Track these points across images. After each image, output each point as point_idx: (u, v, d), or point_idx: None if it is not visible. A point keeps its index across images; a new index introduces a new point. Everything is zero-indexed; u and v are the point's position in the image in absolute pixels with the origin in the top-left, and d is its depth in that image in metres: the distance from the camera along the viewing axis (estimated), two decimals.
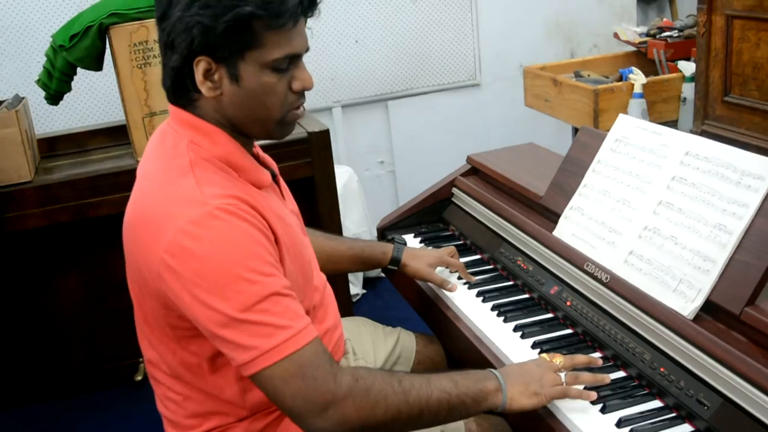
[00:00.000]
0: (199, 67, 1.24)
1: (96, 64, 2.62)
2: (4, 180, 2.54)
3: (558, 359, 1.40)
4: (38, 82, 2.65)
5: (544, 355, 1.44)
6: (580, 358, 1.42)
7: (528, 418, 1.39)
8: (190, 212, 1.20)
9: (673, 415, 1.29)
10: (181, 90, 1.30)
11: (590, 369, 1.42)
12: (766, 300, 1.25)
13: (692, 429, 1.25)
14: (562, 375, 1.37)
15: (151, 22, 2.52)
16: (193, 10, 1.20)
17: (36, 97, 2.98)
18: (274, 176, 1.45)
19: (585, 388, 1.37)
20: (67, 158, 2.88)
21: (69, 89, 2.66)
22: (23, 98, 2.75)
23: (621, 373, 1.41)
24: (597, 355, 1.48)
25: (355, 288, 3.44)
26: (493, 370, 1.39)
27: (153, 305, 1.31)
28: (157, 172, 1.29)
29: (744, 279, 1.27)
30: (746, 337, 1.25)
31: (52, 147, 2.94)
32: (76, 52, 2.52)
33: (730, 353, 1.22)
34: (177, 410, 1.42)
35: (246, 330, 1.18)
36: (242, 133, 1.33)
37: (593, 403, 1.34)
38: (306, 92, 1.33)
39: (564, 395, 1.35)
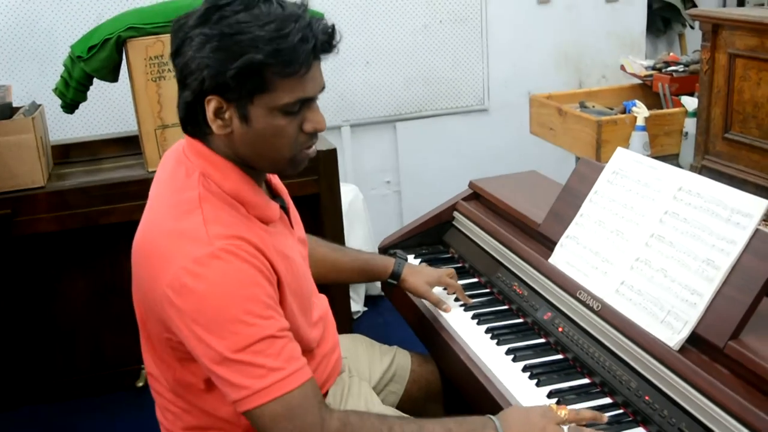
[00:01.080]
0: (210, 106, 1.26)
1: (112, 76, 2.68)
2: (18, 184, 2.60)
3: (564, 412, 1.36)
4: (55, 90, 2.72)
5: (552, 405, 1.39)
6: (586, 414, 1.36)
7: None
8: (194, 250, 1.23)
9: None
10: (193, 123, 1.32)
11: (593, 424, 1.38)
12: (749, 334, 1.29)
13: None
14: (565, 429, 1.34)
15: (167, 37, 2.56)
16: (205, 52, 1.22)
17: (51, 104, 3.05)
18: (283, 206, 1.48)
19: None
20: (79, 165, 2.94)
21: (85, 99, 2.73)
22: (40, 105, 2.82)
23: (608, 400, 1.45)
24: (585, 381, 1.52)
25: (357, 305, 3.48)
26: (492, 417, 1.36)
27: (156, 328, 1.35)
28: (168, 202, 1.32)
29: (729, 313, 1.31)
30: (729, 370, 1.29)
31: (65, 154, 3.00)
32: (93, 63, 2.59)
33: (713, 385, 1.26)
34: (175, 421, 1.46)
35: (238, 370, 1.21)
36: (253, 168, 1.35)
37: None
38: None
39: None
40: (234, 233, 1.26)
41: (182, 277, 1.22)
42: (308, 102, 1.30)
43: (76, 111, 2.81)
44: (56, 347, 2.96)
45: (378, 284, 3.61)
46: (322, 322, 1.55)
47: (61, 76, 2.69)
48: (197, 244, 1.23)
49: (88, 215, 2.67)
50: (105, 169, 2.88)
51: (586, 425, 1.34)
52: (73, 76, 2.63)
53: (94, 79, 2.69)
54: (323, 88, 1.32)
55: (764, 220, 1.75)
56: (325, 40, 1.27)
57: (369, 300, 3.66)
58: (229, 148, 1.32)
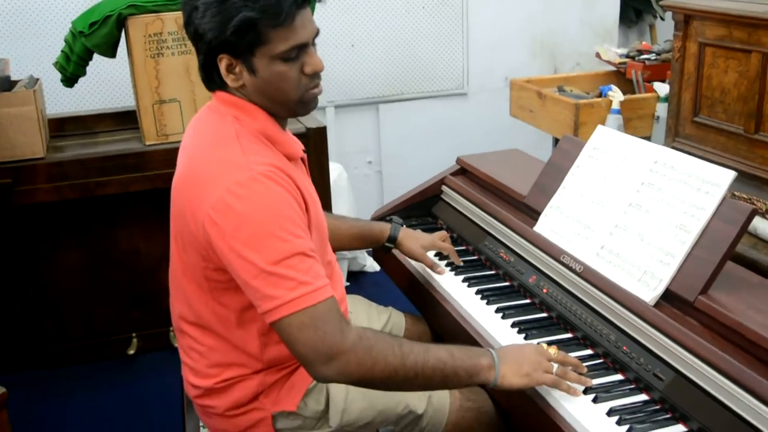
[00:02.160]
0: (222, 64, 1.44)
1: (111, 52, 2.77)
2: (18, 155, 2.68)
3: (554, 350, 1.51)
4: (56, 64, 2.80)
5: (543, 345, 1.54)
6: (572, 359, 1.52)
7: (518, 400, 1.54)
8: (236, 175, 1.38)
9: (632, 386, 1.48)
10: (212, 82, 1.50)
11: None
12: (716, 290, 1.45)
13: (647, 398, 1.45)
14: (555, 366, 1.48)
15: (167, 15, 2.68)
16: (207, 18, 1.40)
17: (47, 78, 3.12)
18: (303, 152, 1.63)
19: None
20: (75, 139, 3.02)
21: (84, 73, 2.81)
22: (38, 79, 2.89)
23: (589, 351, 1.61)
24: (569, 335, 1.67)
25: None
26: (490, 349, 1.52)
27: (194, 257, 1.48)
28: (206, 140, 1.49)
29: (699, 272, 1.46)
30: (698, 322, 1.44)
31: (60, 127, 3.07)
32: (94, 38, 2.68)
33: (684, 334, 1.41)
34: (199, 359, 1.58)
35: (272, 282, 1.35)
36: (271, 113, 1.51)
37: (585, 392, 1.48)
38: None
39: (554, 384, 1.47)
40: (270, 161, 1.43)
41: (225, 198, 1.37)
42: (303, 47, 1.46)
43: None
44: (49, 315, 3.04)
45: (359, 260, 3.75)
46: (331, 267, 1.68)
47: (62, 51, 2.77)
48: (238, 169, 1.39)
49: (85, 186, 2.76)
50: (101, 142, 2.96)
51: (576, 389, 1.48)
52: (74, 50, 2.71)
53: (94, 54, 2.77)
54: (317, 33, 1.49)
55: (731, 197, 1.92)
56: None
57: (351, 276, 3.79)
58: (246, 97, 1.49)
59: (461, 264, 2.01)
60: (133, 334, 3.10)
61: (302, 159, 1.63)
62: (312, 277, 1.37)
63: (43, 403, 2.89)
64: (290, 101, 1.49)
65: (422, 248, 2.00)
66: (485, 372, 1.47)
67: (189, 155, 1.52)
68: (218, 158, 1.43)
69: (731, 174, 1.50)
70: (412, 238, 2.01)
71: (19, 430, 2.70)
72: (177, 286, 1.60)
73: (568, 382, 1.47)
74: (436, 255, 2.07)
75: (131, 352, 3.08)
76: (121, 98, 3.50)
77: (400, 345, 1.43)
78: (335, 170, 3.57)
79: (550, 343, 1.62)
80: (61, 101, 3.49)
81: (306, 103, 1.52)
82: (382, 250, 2.07)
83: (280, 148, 1.51)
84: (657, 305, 1.51)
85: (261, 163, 1.41)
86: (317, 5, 3.52)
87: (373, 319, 1.97)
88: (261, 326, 1.51)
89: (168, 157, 2.73)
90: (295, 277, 1.36)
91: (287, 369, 1.59)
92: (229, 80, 1.46)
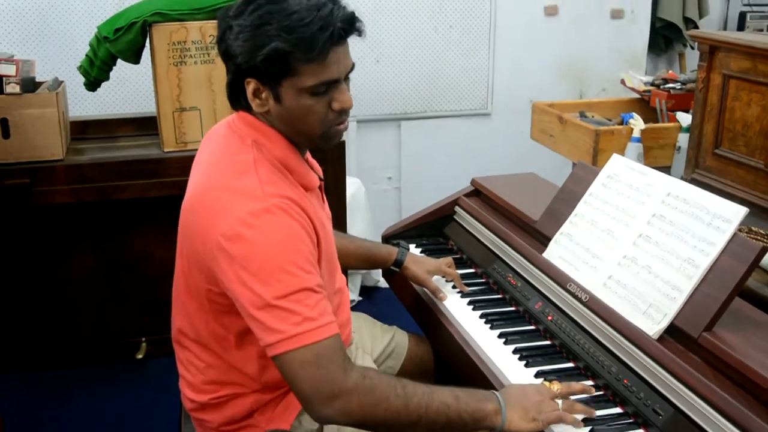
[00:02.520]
0: (249, 87, 1.42)
1: (135, 58, 2.80)
2: (38, 156, 2.72)
3: (556, 386, 1.49)
4: (80, 68, 2.83)
5: (545, 382, 1.52)
6: (576, 386, 1.50)
7: None
8: (251, 205, 1.36)
9: (631, 421, 1.45)
10: (237, 102, 1.48)
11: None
12: (722, 328, 1.42)
13: None
14: (560, 402, 1.46)
15: (191, 24, 2.71)
16: (240, 41, 1.38)
17: (70, 81, 3.15)
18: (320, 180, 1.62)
19: None
20: (96, 142, 3.05)
21: (107, 78, 2.85)
22: (62, 81, 2.93)
23: (590, 382, 1.58)
24: (570, 365, 1.65)
25: (353, 294, 3.61)
26: (495, 391, 1.49)
27: (199, 279, 1.47)
28: (223, 163, 1.46)
29: (705, 308, 1.43)
30: (701, 359, 1.41)
31: (82, 130, 3.11)
32: (118, 44, 2.71)
33: (686, 371, 1.38)
34: (197, 374, 1.58)
35: (277, 315, 1.33)
36: (292, 141, 1.49)
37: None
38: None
39: (560, 421, 1.44)
40: (285, 194, 1.40)
41: (237, 227, 1.34)
42: (334, 83, 1.43)
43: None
44: (61, 316, 3.06)
45: (373, 275, 3.74)
46: (340, 294, 1.67)
47: (87, 55, 2.80)
48: (253, 200, 1.37)
49: (103, 190, 2.79)
50: (121, 147, 2.99)
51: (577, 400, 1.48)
52: (98, 55, 2.74)
53: (117, 60, 2.80)
54: (352, 68, 1.46)
55: (747, 233, 1.89)
56: (342, 27, 1.40)
57: (363, 290, 3.79)
58: (270, 123, 1.46)
59: (466, 290, 1.99)
60: (143, 339, 3.11)
61: (320, 187, 1.62)
62: (318, 314, 1.35)
63: (51, 403, 2.90)
64: (313, 134, 1.47)
65: (427, 273, 1.99)
66: (491, 417, 1.44)
67: (204, 175, 1.49)
68: (233, 186, 1.40)
69: (743, 210, 1.47)
70: (417, 263, 2.00)
71: (25, 429, 2.72)
72: (179, 301, 1.59)
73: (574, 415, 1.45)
74: (443, 277, 2.05)
75: (140, 356, 3.09)
76: (144, 104, 3.54)
77: (403, 386, 1.40)
78: (353, 185, 3.57)
79: (550, 373, 1.60)
80: (86, 104, 3.53)
81: (329, 138, 1.49)
82: (388, 272, 2.07)
83: (298, 178, 1.49)
84: (660, 339, 1.48)
85: (276, 195, 1.39)
86: None
87: (376, 337, 1.96)
88: (260, 349, 1.48)
89: (186, 164, 2.69)
90: (301, 312, 1.33)
91: (283, 389, 1.58)
92: (254, 104, 1.44)
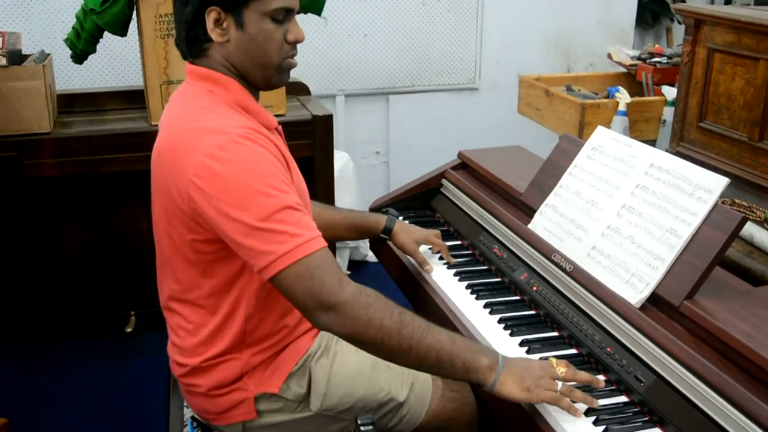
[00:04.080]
0: (210, 16, 1.46)
1: (122, 30, 2.78)
2: (25, 129, 2.71)
3: (562, 369, 1.44)
4: (66, 41, 2.81)
5: (552, 359, 1.47)
6: (584, 376, 1.45)
7: (514, 411, 1.48)
8: (215, 139, 1.39)
9: (613, 388, 1.48)
10: (193, 41, 1.51)
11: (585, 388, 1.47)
12: (702, 296, 1.45)
13: (627, 400, 1.45)
14: (559, 384, 1.42)
15: None
16: None
17: (57, 54, 3.14)
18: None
19: None
20: (83, 115, 3.04)
21: (94, 50, 2.83)
22: (49, 54, 2.91)
23: (573, 350, 1.61)
24: (555, 334, 1.67)
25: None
26: (498, 352, 1.47)
27: (181, 231, 1.48)
28: (181, 113, 1.50)
29: (686, 277, 1.46)
30: (682, 327, 1.44)
31: (69, 103, 3.09)
32: (105, 16, 2.69)
33: (667, 338, 1.41)
34: (186, 337, 1.59)
35: (264, 237, 1.36)
36: (247, 80, 1.53)
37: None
38: (309, 73, 1.55)
39: (554, 402, 1.41)
40: (248, 125, 1.44)
41: (207, 162, 1.38)
42: (290, 14, 1.51)
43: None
44: (50, 290, 3.08)
45: (361, 249, 3.76)
46: None
47: (73, 27, 2.78)
48: (216, 134, 1.40)
49: (90, 163, 2.79)
50: (108, 120, 2.98)
51: (578, 408, 1.42)
52: (85, 27, 2.73)
53: (104, 33, 2.79)
54: (299, 10, 1.54)
55: (730, 205, 1.91)
56: None
57: (352, 264, 3.81)
58: (227, 59, 1.50)
59: (453, 261, 2.01)
60: (132, 312, 3.12)
61: (278, 130, 1.64)
62: (303, 229, 1.38)
63: (39, 376, 2.92)
64: (270, 64, 1.51)
65: (415, 243, 2.01)
66: (484, 372, 1.42)
67: (164, 129, 1.53)
68: (194, 127, 1.44)
69: (724, 181, 1.49)
70: (406, 231, 2.02)
71: (14, 401, 2.74)
72: (165, 265, 1.61)
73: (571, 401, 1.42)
74: (430, 248, 2.07)
75: (129, 329, 3.10)
76: (131, 77, 3.52)
77: (399, 313, 1.42)
78: (342, 159, 3.58)
79: (535, 342, 1.63)
80: (73, 77, 3.52)
81: (282, 71, 1.54)
82: (377, 241, 2.08)
83: (256, 116, 1.53)
84: (642, 308, 1.50)
85: (238, 126, 1.42)
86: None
87: None
88: (247, 298, 1.53)
89: None
90: (286, 230, 1.36)
91: (272, 350, 1.60)
92: (214, 35, 1.47)
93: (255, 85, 1.56)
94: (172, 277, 1.58)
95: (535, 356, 1.58)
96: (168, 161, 1.46)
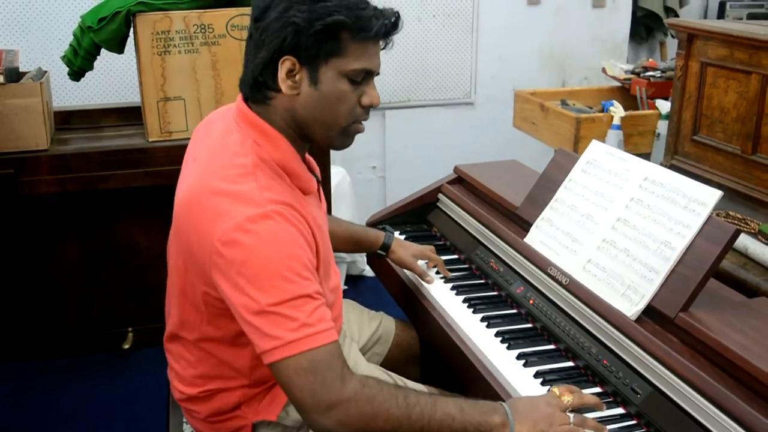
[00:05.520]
0: (284, 66, 1.38)
1: (119, 48, 2.80)
2: (22, 146, 2.71)
3: (567, 398, 1.43)
4: (63, 58, 2.83)
5: (554, 389, 1.45)
6: (590, 399, 1.44)
7: None
8: (248, 210, 1.33)
9: (610, 399, 1.49)
10: (260, 86, 1.43)
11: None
12: (697, 308, 1.46)
13: (624, 412, 1.45)
14: (571, 416, 1.40)
15: (175, 14, 2.71)
16: (291, 12, 1.35)
17: (54, 71, 3.15)
18: (318, 181, 1.61)
19: None
20: (80, 132, 3.05)
21: (91, 68, 2.85)
22: (46, 72, 2.92)
23: (570, 363, 1.61)
24: (551, 347, 1.68)
25: None
26: (502, 403, 1.42)
27: (195, 281, 1.45)
28: (221, 164, 1.42)
29: (681, 289, 1.47)
30: (678, 338, 1.45)
31: (66, 120, 3.10)
32: (102, 34, 2.71)
33: (663, 350, 1.42)
34: (187, 368, 1.59)
35: (273, 321, 1.29)
36: (304, 137, 1.46)
37: None
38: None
39: None
40: (284, 200, 1.38)
41: (234, 232, 1.32)
42: (369, 76, 1.44)
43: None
44: (47, 306, 3.06)
45: (359, 264, 3.76)
46: (336, 292, 1.66)
47: (70, 45, 2.80)
48: (251, 205, 1.33)
49: (87, 179, 2.78)
50: (105, 136, 2.99)
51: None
52: (82, 45, 2.74)
53: (101, 50, 2.80)
54: (378, 73, 1.46)
55: (724, 217, 1.92)
56: (392, 23, 1.42)
57: (349, 279, 3.81)
58: (289, 112, 1.43)
59: (449, 276, 2.02)
60: (129, 329, 3.12)
61: (318, 191, 1.60)
62: (316, 320, 1.32)
63: (37, 393, 2.90)
64: (337, 126, 1.43)
65: (413, 257, 2.02)
66: (498, 430, 1.37)
67: (201, 175, 1.43)
68: (232, 191, 1.36)
69: (717, 193, 1.51)
70: (403, 247, 2.04)
71: (11, 420, 2.73)
72: (173, 297, 1.57)
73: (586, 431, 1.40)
74: (427, 262, 2.08)
75: (126, 346, 3.10)
76: (128, 94, 3.54)
77: (405, 396, 1.35)
78: (338, 174, 3.59)
79: (532, 355, 1.64)
80: (70, 94, 3.53)
81: (348, 135, 1.47)
82: (375, 256, 2.09)
83: (296, 182, 1.46)
84: (638, 320, 1.51)
85: (275, 201, 1.36)
86: None
87: (363, 324, 1.98)
88: (253, 351, 1.47)
89: (171, 154, 2.75)
90: (297, 318, 1.30)
91: (270, 382, 1.58)
92: (284, 86, 1.40)
93: (314, 142, 1.49)
94: (179, 313, 1.56)
95: (533, 369, 1.59)
96: (197, 214, 1.39)
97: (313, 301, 1.33)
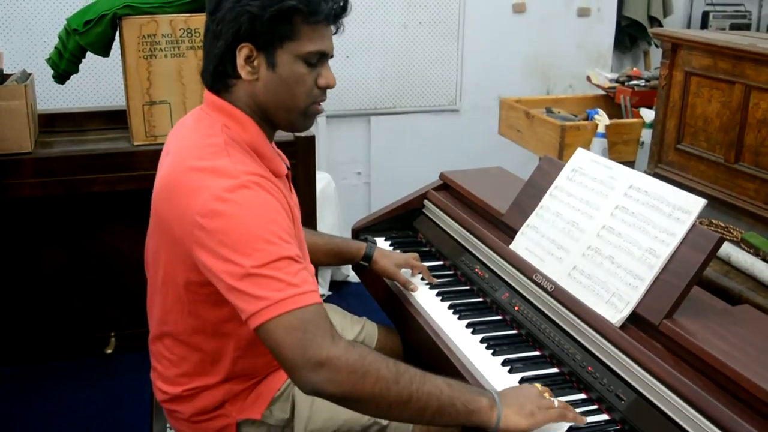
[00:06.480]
0: (242, 53, 1.43)
1: (104, 51, 2.79)
2: (6, 149, 2.69)
3: (547, 395, 1.44)
4: (48, 60, 2.81)
5: (537, 385, 1.47)
6: (571, 412, 1.44)
7: None
8: (224, 182, 1.36)
9: (595, 407, 1.50)
10: (220, 75, 1.48)
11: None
12: (681, 315, 1.47)
13: (609, 418, 1.46)
14: (555, 401, 1.42)
15: (161, 18, 2.71)
16: (244, 1, 1.40)
17: (40, 73, 3.13)
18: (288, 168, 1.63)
19: None
20: (64, 135, 3.03)
21: (76, 71, 2.83)
22: (30, 74, 2.91)
23: (555, 369, 1.62)
24: (536, 353, 1.69)
25: (322, 289, 3.63)
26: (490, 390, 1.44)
27: (177, 269, 1.46)
28: (193, 147, 1.45)
29: (665, 296, 1.48)
30: (662, 345, 1.46)
31: (50, 123, 3.08)
32: (88, 37, 2.70)
33: (647, 357, 1.43)
34: (170, 367, 1.59)
35: (260, 283, 1.30)
36: (269, 122, 1.51)
37: None
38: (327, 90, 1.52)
39: (561, 417, 1.40)
40: (258, 172, 1.42)
41: (212, 203, 1.34)
42: (324, 58, 1.48)
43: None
44: (30, 310, 3.04)
45: (343, 270, 3.76)
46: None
47: (56, 47, 2.78)
48: (226, 177, 1.37)
49: (71, 183, 2.77)
50: (90, 140, 2.97)
51: (582, 417, 1.44)
52: (68, 48, 2.73)
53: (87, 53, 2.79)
54: (333, 55, 1.51)
55: (707, 225, 1.94)
56: (341, 6, 1.48)
57: (333, 285, 3.80)
58: (251, 98, 1.48)
59: (435, 282, 2.02)
60: (112, 334, 3.10)
61: (287, 177, 1.62)
62: (301, 281, 1.33)
63: (18, 398, 2.88)
64: (297, 108, 1.49)
65: (396, 266, 2.02)
66: (486, 411, 1.38)
67: (174, 160, 1.47)
68: (205, 167, 1.39)
69: (701, 201, 1.52)
70: (386, 256, 2.04)
71: None
72: (154, 294, 1.58)
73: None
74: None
75: (109, 351, 3.08)
76: (113, 97, 3.52)
77: (394, 363, 1.36)
78: (323, 180, 3.59)
79: (517, 361, 1.64)
80: (54, 97, 3.51)
81: (308, 117, 1.52)
82: (357, 267, 2.09)
83: (267, 163, 1.49)
84: (623, 327, 1.52)
85: (249, 172, 1.39)
86: None
87: (346, 328, 1.98)
88: (236, 341, 1.50)
89: (155, 158, 2.62)
90: (282, 278, 1.31)
91: (254, 379, 1.59)
92: (243, 72, 1.44)
93: (277, 126, 1.54)
94: (161, 309, 1.56)
95: (518, 375, 1.60)
96: (173, 195, 1.41)
97: (295, 263, 1.34)
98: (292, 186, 1.67)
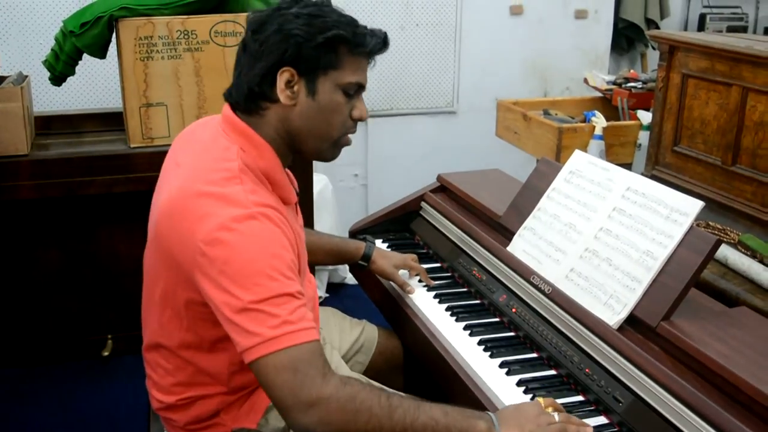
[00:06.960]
0: (283, 77, 1.42)
1: (101, 53, 2.78)
2: (2, 151, 2.68)
3: (551, 410, 1.41)
4: (45, 62, 2.81)
5: (540, 399, 1.44)
6: (575, 420, 1.42)
7: None
8: (233, 211, 1.33)
9: (592, 408, 1.50)
10: (255, 97, 1.46)
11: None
12: (679, 317, 1.47)
13: (607, 421, 1.46)
14: (556, 415, 1.39)
15: (158, 20, 2.70)
16: (294, 25, 1.41)
17: (36, 75, 3.13)
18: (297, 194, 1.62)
19: None
20: (61, 137, 3.02)
21: (73, 73, 2.82)
22: (26, 76, 2.90)
23: (553, 372, 1.62)
24: (534, 355, 1.68)
25: (319, 291, 3.62)
26: (488, 411, 1.41)
27: (177, 288, 1.44)
28: (206, 169, 1.42)
29: (663, 298, 1.48)
30: (659, 347, 1.46)
31: (46, 125, 3.07)
32: (84, 39, 2.69)
33: (645, 359, 1.43)
34: (165, 376, 1.58)
35: (255, 318, 1.29)
36: (294, 148, 1.50)
37: None
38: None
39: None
40: (269, 203, 1.40)
41: (217, 231, 1.32)
42: (360, 90, 1.50)
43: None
44: (26, 313, 3.02)
45: (340, 272, 3.76)
46: (312, 302, 1.66)
47: (52, 49, 2.78)
48: (236, 206, 1.35)
49: (68, 185, 2.75)
50: (86, 142, 2.97)
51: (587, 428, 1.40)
52: (64, 49, 2.72)
53: (83, 55, 2.79)
54: (365, 89, 1.53)
55: (705, 227, 1.94)
56: (382, 41, 1.51)
57: (331, 287, 3.80)
58: (282, 122, 1.46)
59: (432, 284, 2.02)
60: (109, 336, 3.09)
61: (296, 204, 1.61)
62: (298, 318, 1.31)
63: (15, 401, 2.87)
64: (330, 137, 1.49)
65: (394, 267, 2.02)
66: None
67: (185, 179, 1.43)
68: (217, 193, 1.37)
69: (699, 204, 1.52)
70: (384, 257, 2.04)
71: None
72: (151, 306, 1.56)
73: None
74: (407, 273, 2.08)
75: (105, 353, 3.07)
76: (109, 99, 3.52)
77: (387, 397, 1.34)
78: (320, 182, 3.58)
79: (514, 363, 1.64)
80: (50, 99, 3.51)
81: (337, 147, 1.52)
82: (356, 267, 2.09)
83: (278, 191, 1.48)
84: (620, 329, 1.52)
85: (261, 203, 1.37)
86: None
87: (345, 332, 1.98)
88: (232, 356, 1.48)
89: (152, 160, 2.73)
90: (279, 314, 1.30)
91: (249, 389, 1.58)
92: (283, 96, 1.43)
93: (302, 153, 1.52)
94: (156, 321, 1.55)
95: (515, 377, 1.59)
96: (180, 218, 1.39)
97: (295, 300, 1.33)
98: (299, 211, 1.66)
